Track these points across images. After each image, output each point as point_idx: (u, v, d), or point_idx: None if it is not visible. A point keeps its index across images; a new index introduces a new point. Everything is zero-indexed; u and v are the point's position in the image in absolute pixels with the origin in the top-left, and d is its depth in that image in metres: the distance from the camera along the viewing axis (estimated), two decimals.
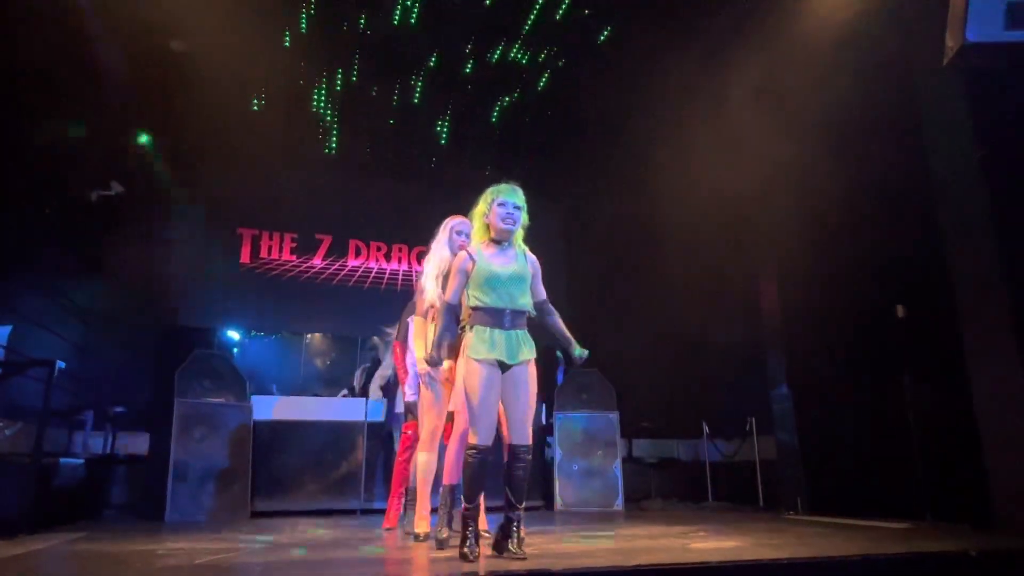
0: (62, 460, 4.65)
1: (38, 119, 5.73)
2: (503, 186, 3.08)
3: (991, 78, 4.14)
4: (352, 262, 7.67)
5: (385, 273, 7.72)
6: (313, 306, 7.45)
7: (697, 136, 6.74)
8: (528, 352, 2.97)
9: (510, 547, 2.77)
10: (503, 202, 3.03)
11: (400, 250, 7.86)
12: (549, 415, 6.67)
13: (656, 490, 7.30)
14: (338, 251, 7.65)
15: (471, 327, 2.96)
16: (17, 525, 3.91)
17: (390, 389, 5.63)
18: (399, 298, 6.61)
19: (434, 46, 7.24)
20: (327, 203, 7.65)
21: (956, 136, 4.40)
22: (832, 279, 5.67)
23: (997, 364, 4.03)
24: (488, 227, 3.07)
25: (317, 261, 7.55)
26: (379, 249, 7.81)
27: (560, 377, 7.48)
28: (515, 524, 2.81)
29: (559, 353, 8.51)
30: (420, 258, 7.97)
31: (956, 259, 4.41)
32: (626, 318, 7.95)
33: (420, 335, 3.90)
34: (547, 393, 6.64)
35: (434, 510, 3.77)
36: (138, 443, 5.96)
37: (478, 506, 2.89)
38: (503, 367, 2.90)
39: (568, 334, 3.16)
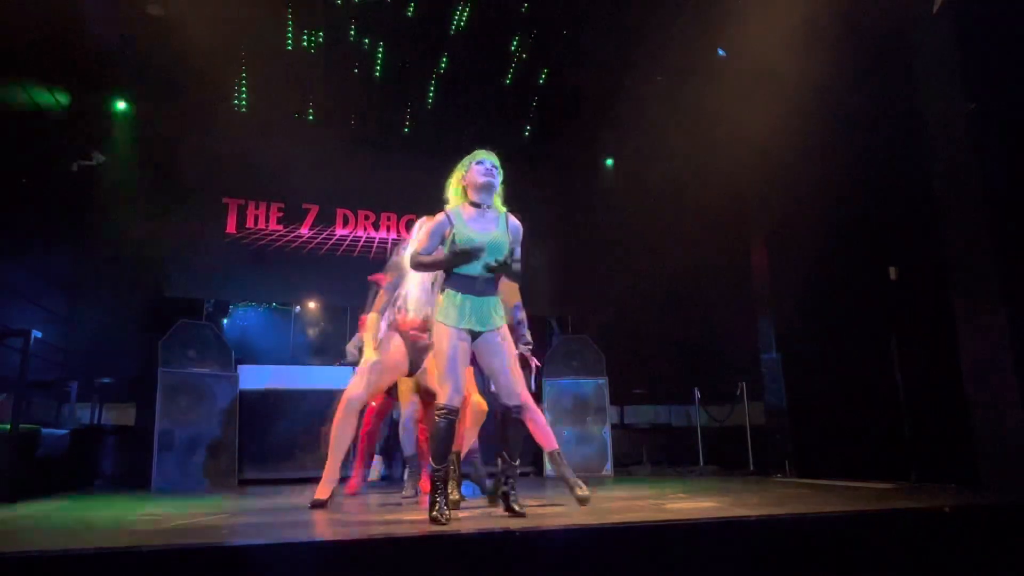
0: (44, 430, 4.64)
1: (15, 87, 5.64)
2: (478, 150, 3.06)
3: (982, 29, 4.01)
4: (340, 231, 7.58)
5: (374, 242, 7.64)
6: (301, 276, 7.38)
7: (686, 100, 6.61)
8: (499, 319, 2.94)
9: (513, 506, 2.82)
10: (481, 160, 3.00)
11: (388, 218, 7.77)
12: (539, 382, 6.66)
13: (648, 455, 7.31)
14: (326, 220, 7.55)
15: (442, 290, 2.92)
16: None
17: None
18: None
19: (419, 9, 7.08)
20: (314, 172, 7.51)
21: (948, 92, 4.28)
22: (822, 243, 5.59)
23: (985, 325, 3.97)
24: (466, 190, 3.01)
25: (304, 230, 7.46)
26: (367, 218, 7.72)
27: (553, 343, 7.45)
28: (511, 482, 2.86)
29: (553, 321, 8.49)
30: (409, 227, 7.91)
31: (946, 220, 4.32)
32: (617, 285, 7.90)
33: (372, 328, 3.80)
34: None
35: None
36: (126, 414, 5.98)
37: (448, 469, 2.85)
38: (474, 334, 2.88)
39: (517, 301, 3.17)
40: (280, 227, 7.40)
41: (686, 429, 7.35)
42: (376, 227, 7.75)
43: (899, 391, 4.75)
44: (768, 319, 6.27)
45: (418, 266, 3.01)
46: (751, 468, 6.29)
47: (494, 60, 7.65)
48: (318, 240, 7.49)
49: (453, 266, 2.88)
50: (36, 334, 4.29)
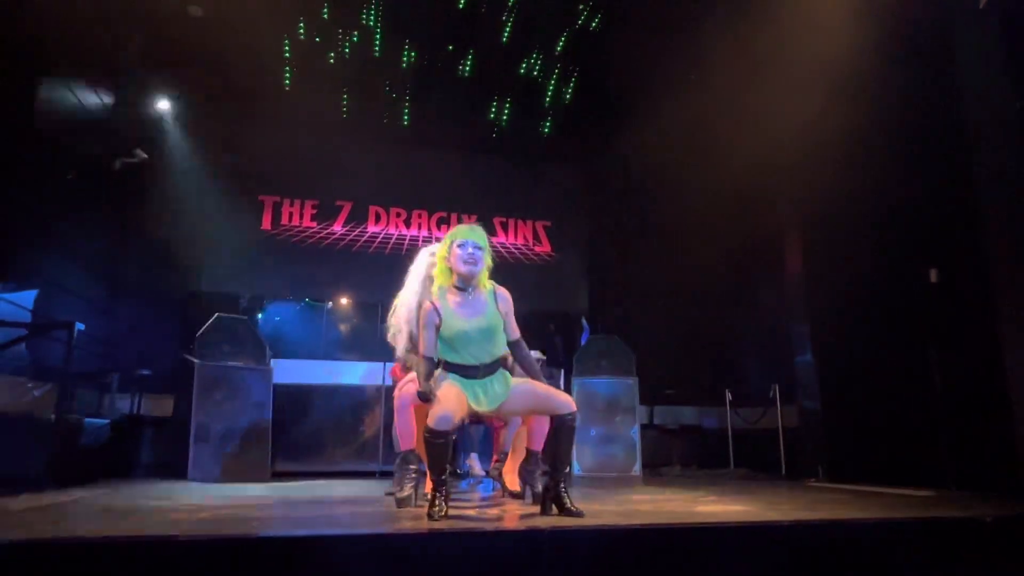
0: (87, 420, 4.78)
1: (60, 87, 5.80)
2: (461, 227, 2.96)
3: None
4: (372, 228, 7.67)
5: (405, 239, 7.72)
6: (334, 272, 7.50)
7: (720, 95, 6.52)
8: (503, 389, 2.89)
9: (568, 506, 2.80)
10: (463, 243, 2.88)
11: (420, 216, 7.84)
12: (568, 381, 6.63)
13: (678, 457, 7.25)
14: (358, 217, 7.67)
15: (446, 373, 2.89)
16: (43, 481, 4.06)
17: None
18: None
19: (451, 7, 7.11)
20: (347, 170, 7.63)
21: (993, 89, 4.15)
22: (860, 243, 5.47)
23: None
24: (451, 271, 2.91)
25: (337, 227, 7.57)
26: (399, 215, 7.80)
27: (583, 341, 7.41)
28: (563, 485, 2.85)
29: (583, 320, 8.45)
30: (440, 224, 7.99)
31: (990, 220, 4.19)
32: (648, 285, 7.84)
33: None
34: (568, 359, 6.61)
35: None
36: (163, 405, 6.12)
37: (444, 480, 2.80)
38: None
39: (538, 369, 3.03)
40: (314, 224, 7.53)
41: (717, 431, 7.26)
42: (407, 224, 7.81)
43: (938, 396, 4.63)
44: (803, 321, 6.15)
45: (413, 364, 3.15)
46: (783, 472, 6.19)
47: (523, 57, 7.63)
48: (351, 237, 7.59)
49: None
50: (80, 326, 4.41)
